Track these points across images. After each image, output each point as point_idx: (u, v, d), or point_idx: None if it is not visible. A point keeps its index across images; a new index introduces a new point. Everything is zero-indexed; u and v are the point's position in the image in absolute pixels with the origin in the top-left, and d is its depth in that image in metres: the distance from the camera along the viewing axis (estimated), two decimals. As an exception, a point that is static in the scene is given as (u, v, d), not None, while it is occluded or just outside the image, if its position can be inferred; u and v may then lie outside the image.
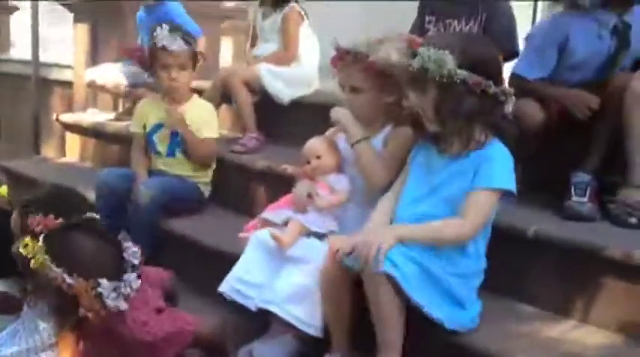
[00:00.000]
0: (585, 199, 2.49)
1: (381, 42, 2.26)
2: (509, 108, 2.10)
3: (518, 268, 2.34)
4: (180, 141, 3.15)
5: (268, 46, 3.74)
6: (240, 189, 3.23)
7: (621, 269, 2.13)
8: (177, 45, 3.07)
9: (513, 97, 2.09)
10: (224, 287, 2.33)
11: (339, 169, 2.49)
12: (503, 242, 2.26)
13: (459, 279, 2.08)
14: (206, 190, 3.24)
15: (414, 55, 2.04)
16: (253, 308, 2.30)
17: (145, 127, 3.24)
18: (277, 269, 2.32)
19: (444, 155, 2.14)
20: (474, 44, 2.08)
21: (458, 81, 2.00)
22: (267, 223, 2.45)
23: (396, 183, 2.26)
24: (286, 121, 3.58)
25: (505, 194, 2.07)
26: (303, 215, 2.41)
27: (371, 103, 2.36)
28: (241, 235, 2.47)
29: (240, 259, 2.36)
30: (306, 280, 2.24)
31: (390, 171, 2.32)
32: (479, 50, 2.06)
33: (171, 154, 3.19)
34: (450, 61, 1.98)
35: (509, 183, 2.06)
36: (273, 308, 2.25)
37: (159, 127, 3.21)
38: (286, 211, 2.45)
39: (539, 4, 4.04)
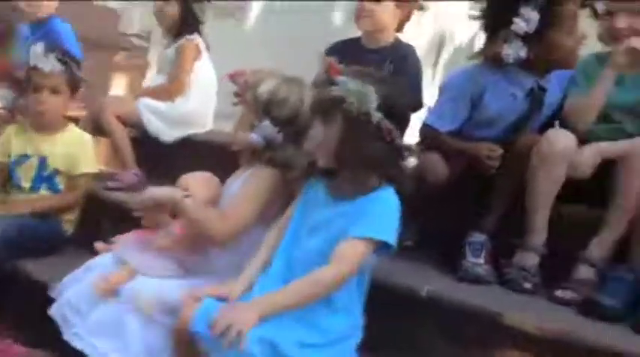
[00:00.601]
0: (481, 261, 2.39)
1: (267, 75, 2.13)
2: (409, 163, 1.99)
3: (410, 328, 2.17)
4: (50, 176, 2.82)
5: (158, 78, 3.50)
6: (110, 228, 2.91)
7: (514, 336, 2.01)
8: (50, 65, 2.76)
9: (416, 155, 1.99)
10: (53, 309, 2.15)
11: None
12: (396, 301, 2.11)
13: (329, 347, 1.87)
14: (69, 229, 2.89)
15: (331, 82, 1.86)
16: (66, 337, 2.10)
17: (9, 156, 2.88)
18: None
19: (332, 195, 1.95)
20: (394, 90, 1.92)
21: (373, 122, 1.83)
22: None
23: (283, 217, 2.06)
24: (172, 159, 3.31)
25: (384, 247, 1.86)
26: (140, 257, 2.18)
27: None
28: None
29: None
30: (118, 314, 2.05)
31: (240, 215, 2.10)
32: (397, 98, 1.90)
33: (35, 189, 2.83)
34: (373, 99, 1.81)
35: (388, 235, 1.84)
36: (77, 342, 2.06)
37: (24, 158, 2.85)
38: (126, 250, 2.23)
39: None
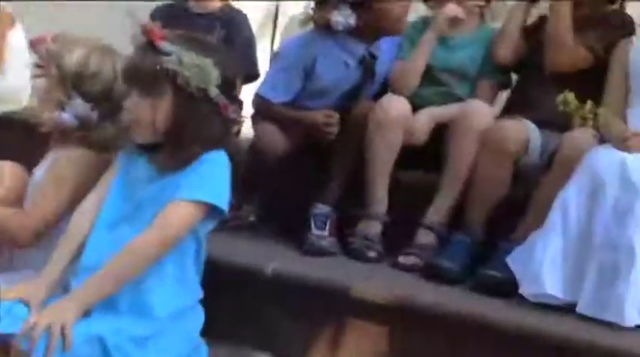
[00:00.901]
0: (325, 233, 2.35)
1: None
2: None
3: (256, 307, 2.09)
4: None
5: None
6: None
7: (361, 307, 2.00)
8: None
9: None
10: None
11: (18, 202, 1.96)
12: (238, 283, 2.02)
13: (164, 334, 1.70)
14: None
15: (157, 51, 1.68)
16: None
17: None
18: None
19: (157, 169, 1.76)
20: (228, 61, 1.77)
21: (210, 99, 1.68)
22: None
23: (90, 198, 1.81)
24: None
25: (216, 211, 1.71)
26: None
27: None
28: None
29: None
30: None
31: (44, 210, 1.84)
32: (232, 70, 1.76)
33: None
34: (213, 75, 1.66)
35: (217, 197, 1.69)
36: None
37: None
38: None
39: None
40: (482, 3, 2.50)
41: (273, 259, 2.14)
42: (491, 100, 2.47)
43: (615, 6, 2.45)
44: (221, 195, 1.71)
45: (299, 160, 2.48)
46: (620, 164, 1.93)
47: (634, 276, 1.86)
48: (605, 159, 1.96)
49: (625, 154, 1.95)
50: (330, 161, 2.43)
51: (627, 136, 1.99)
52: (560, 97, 2.00)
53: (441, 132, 2.35)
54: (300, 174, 2.50)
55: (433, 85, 2.47)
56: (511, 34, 2.45)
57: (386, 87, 2.54)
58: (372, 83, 2.52)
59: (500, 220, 2.23)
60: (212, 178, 1.71)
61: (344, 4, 2.37)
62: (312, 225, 2.35)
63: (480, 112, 2.26)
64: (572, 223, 1.95)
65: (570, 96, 1.99)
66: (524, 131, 2.20)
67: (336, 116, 2.38)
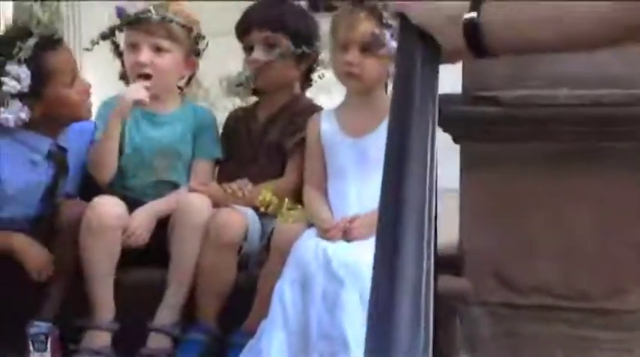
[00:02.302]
0: (47, 354, 2.12)
1: None
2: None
3: None
4: None
5: None
6: None
7: None
8: None
9: None
10: None
11: None
12: None
13: None
14: None
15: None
16: None
17: None
18: None
19: None
20: None
21: None
22: None
23: None
24: None
25: None
26: None
27: None
28: None
29: None
30: None
31: None
32: None
33: None
34: None
35: None
36: None
37: None
38: None
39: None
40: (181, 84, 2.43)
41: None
42: (209, 179, 2.37)
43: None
44: None
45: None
46: (324, 254, 1.96)
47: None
48: (310, 249, 1.99)
49: (327, 243, 2.00)
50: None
51: (326, 229, 2.03)
52: (260, 197, 2.02)
53: (162, 225, 2.25)
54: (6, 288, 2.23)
55: (145, 173, 2.33)
56: None
57: (89, 177, 2.37)
58: (66, 178, 2.32)
59: (233, 311, 2.20)
60: None
61: (11, 99, 2.15)
62: (32, 347, 2.11)
63: (198, 206, 2.19)
64: (291, 316, 1.97)
65: (268, 195, 2.01)
66: (243, 220, 2.18)
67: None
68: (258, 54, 2.31)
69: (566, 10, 0.78)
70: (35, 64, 2.18)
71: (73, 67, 2.32)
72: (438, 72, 1.03)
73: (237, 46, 2.44)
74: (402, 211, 0.77)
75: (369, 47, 2.06)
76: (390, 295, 0.67)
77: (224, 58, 2.47)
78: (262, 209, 2.02)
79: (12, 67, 2.16)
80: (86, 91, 2.31)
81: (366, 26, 2.07)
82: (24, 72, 2.15)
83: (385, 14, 2.02)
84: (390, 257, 0.70)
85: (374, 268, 0.71)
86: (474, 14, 0.90)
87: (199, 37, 2.40)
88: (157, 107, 2.34)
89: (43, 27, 2.31)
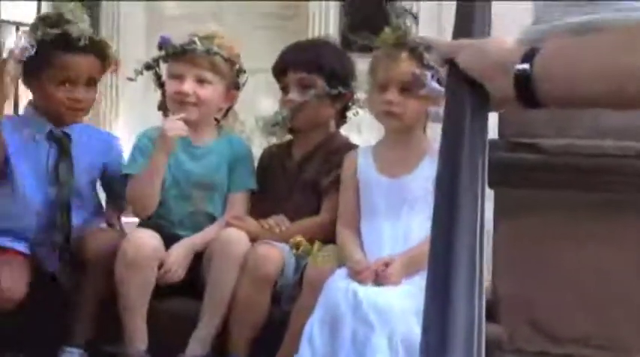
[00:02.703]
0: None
1: None
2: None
3: None
4: None
5: None
6: None
7: None
8: None
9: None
10: None
11: None
12: None
13: None
14: None
15: None
16: None
17: None
18: None
19: None
20: None
21: None
22: None
23: None
24: None
25: None
26: None
27: None
28: None
29: None
30: None
31: None
32: None
33: None
34: None
35: None
36: None
37: None
38: None
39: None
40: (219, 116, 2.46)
41: None
42: (244, 210, 2.40)
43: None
44: None
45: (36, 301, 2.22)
46: (354, 296, 1.94)
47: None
48: (340, 290, 1.97)
49: (358, 285, 1.97)
50: (76, 295, 2.24)
51: (358, 271, 2.01)
52: (292, 241, 2.03)
53: (197, 257, 2.27)
54: (40, 314, 2.26)
55: (182, 204, 2.36)
56: None
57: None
58: (70, 167, 2.34)
59: (265, 343, 2.20)
60: None
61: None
62: (63, 373, 2.14)
63: (237, 239, 2.20)
64: (319, 356, 1.95)
65: (299, 240, 2.02)
66: (280, 255, 2.19)
67: None
68: (294, 95, 2.34)
69: (623, 65, 0.78)
70: (40, 51, 2.27)
71: (74, 73, 2.33)
72: (487, 118, 1.04)
73: (274, 82, 2.48)
74: (452, 264, 0.77)
75: (409, 87, 2.06)
76: (441, 341, 0.67)
77: (262, 94, 2.51)
78: (294, 251, 2.03)
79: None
80: (77, 101, 2.33)
81: (406, 66, 2.09)
82: (31, 45, 2.26)
83: (426, 55, 2.03)
84: (441, 305, 0.70)
85: (424, 313, 0.71)
86: (526, 66, 0.91)
87: (240, 70, 2.44)
88: (195, 138, 2.38)
89: (72, 25, 2.32)
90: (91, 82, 2.37)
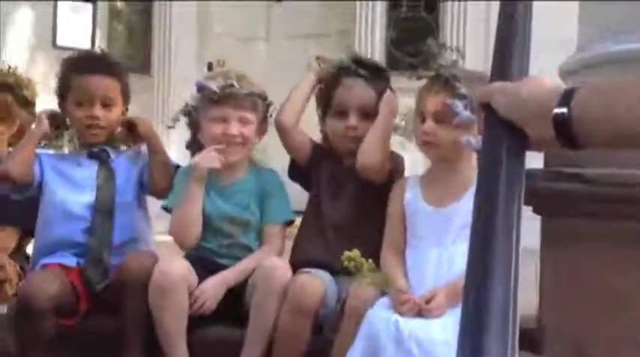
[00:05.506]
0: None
1: None
2: None
3: None
4: None
5: None
6: None
7: None
8: None
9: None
10: None
11: None
12: None
13: None
14: None
15: None
16: None
17: None
18: None
19: None
20: None
21: None
22: None
23: None
24: None
25: None
26: None
27: None
28: None
29: None
30: None
31: None
32: None
33: None
34: None
35: None
36: None
37: None
38: None
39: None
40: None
41: None
42: (281, 243, 2.44)
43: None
44: None
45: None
46: (395, 327, 1.93)
47: None
48: (382, 320, 1.96)
49: (399, 316, 1.96)
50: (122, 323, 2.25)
51: (402, 301, 2.01)
52: (346, 255, 2.03)
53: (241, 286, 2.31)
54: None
55: (218, 237, 2.39)
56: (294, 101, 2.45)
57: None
58: (112, 184, 2.44)
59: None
60: None
61: None
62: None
63: (279, 269, 2.23)
64: (361, 385, 1.94)
65: (355, 254, 2.02)
66: (321, 285, 2.19)
67: None
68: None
69: None
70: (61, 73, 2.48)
71: (95, 94, 2.42)
72: (524, 160, 1.03)
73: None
74: (484, 316, 0.76)
75: (442, 117, 2.10)
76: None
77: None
78: (345, 263, 2.02)
79: None
80: (93, 117, 2.43)
81: (440, 97, 2.11)
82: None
83: (458, 85, 2.05)
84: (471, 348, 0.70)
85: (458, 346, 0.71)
86: (564, 109, 0.91)
87: (270, 104, 2.48)
88: (226, 176, 2.41)
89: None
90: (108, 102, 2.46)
